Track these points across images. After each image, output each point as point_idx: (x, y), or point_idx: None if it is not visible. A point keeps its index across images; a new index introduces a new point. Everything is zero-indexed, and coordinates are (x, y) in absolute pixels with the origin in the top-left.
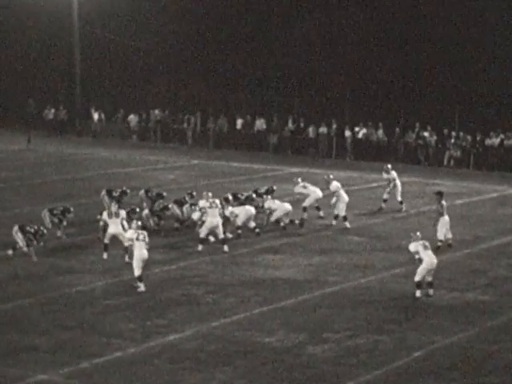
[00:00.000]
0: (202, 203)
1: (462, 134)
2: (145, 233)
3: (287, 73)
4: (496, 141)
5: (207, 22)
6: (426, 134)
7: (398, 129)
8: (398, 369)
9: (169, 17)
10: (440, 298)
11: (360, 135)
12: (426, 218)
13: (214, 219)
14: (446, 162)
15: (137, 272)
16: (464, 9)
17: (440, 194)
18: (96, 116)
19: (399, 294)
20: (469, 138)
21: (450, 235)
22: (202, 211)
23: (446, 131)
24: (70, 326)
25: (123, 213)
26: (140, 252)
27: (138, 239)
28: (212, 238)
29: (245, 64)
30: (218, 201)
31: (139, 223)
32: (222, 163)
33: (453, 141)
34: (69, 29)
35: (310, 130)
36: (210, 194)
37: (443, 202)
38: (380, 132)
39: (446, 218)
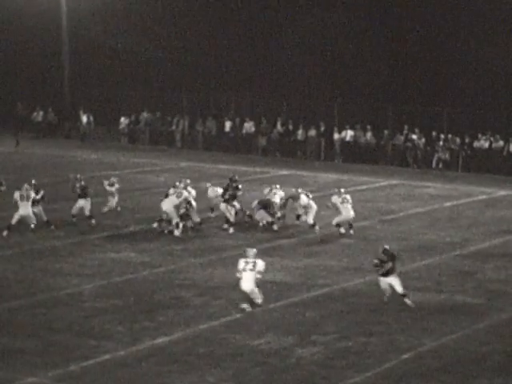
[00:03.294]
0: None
1: (450, 136)
2: (256, 261)
3: (276, 75)
4: (484, 143)
5: (195, 24)
6: (414, 136)
7: (386, 131)
8: (387, 371)
9: (158, 18)
10: (429, 301)
11: (348, 138)
12: (415, 219)
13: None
14: (434, 165)
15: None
16: (452, 11)
17: None
18: (85, 119)
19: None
20: (457, 140)
21: None
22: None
23: (434, 133)
24: (59, 328)
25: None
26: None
27: (245, 270)
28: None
29: (234, 66)
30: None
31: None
32: (211, 166)
33: (441, 143)
34: (57, 30)
35: (299, 132)
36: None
37: None
38: (369, 134)
39: None
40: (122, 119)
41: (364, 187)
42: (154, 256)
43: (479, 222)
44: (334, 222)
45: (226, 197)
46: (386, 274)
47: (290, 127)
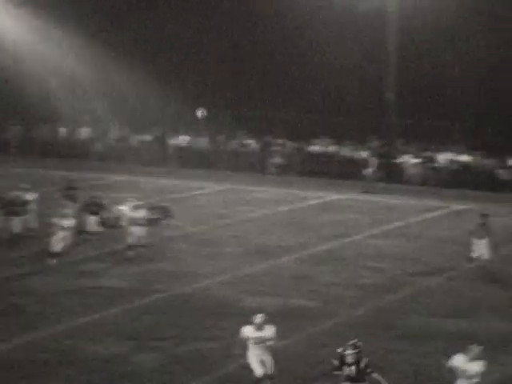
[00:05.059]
0: None
1: (285, 141)
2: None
3: (111, 78)
4: (319, 148)
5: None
6: (249, 141)
7: (221, 136)
8: (224, 376)
9: None
10: (266, 305)
11: (183, 143)
12: (251, 224)
13: None
14: (269, 169)
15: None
16: (282, 18)
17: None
18: None
19: (224, 300)
20: (292, 144)
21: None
22: None
23: (269, 138)
24: None
25: None
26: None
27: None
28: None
29: (69, 71)
30: None
31: None
32: (46, 172)
33: (276, 148)
34: None
35: (133, 137)
36: None
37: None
38: (204, 140)
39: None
40: None
41: (198, 192)
42: None
43: (314, 225)
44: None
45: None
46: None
47: (126, 133)
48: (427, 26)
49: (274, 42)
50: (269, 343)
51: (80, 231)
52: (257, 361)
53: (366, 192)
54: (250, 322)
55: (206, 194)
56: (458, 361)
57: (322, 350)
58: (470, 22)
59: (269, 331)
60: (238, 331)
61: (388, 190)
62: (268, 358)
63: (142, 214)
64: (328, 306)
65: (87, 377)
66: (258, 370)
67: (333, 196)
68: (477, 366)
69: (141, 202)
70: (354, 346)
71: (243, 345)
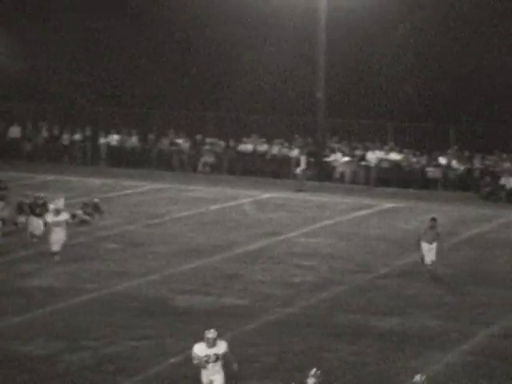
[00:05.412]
0: None
1: (216, 139)
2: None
3: (44, 79)
4: (249, 146)
5: None
6: (179, 140)
7: (151, 135)
8: (156, 375)
9: None
10: (196, 303)
11: (113, 142)
12: (182, 223)
13: None
14: (200, 168)
15: None
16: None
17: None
18: None
19: (155, 299)
20: (222, 143)
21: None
22: None
23: (199, 137)
24: None
25: None
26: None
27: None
28: None
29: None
30: None
31: None
32: None
33: (206, 147)
34: None
35: (64, 137)
36: None
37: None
38: (134, 138)
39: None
40: None
41: (129, 191)
42: None
43: (245, 224)
44: None
45: None
46: None
47: (56, 132)
48: (356, 24)
49: (206, 41)
50: (222, 362)
51: (9, 231)
52: (206, 381)
53: (297, 190)
54: (201, 339)
55: (137, 193)
56: None
57: (252, 349)
58: (403, 19)
59: (221, 347)
60: (168, 333)
61: (319, 188)
62: (219, 379)
63: (63, 217)
64: (259, 305)
65: (17, 377)
66: None
67: (264, 194)
68: None
69: (61, 204)
70: (317, 376)
71: (197, 364)
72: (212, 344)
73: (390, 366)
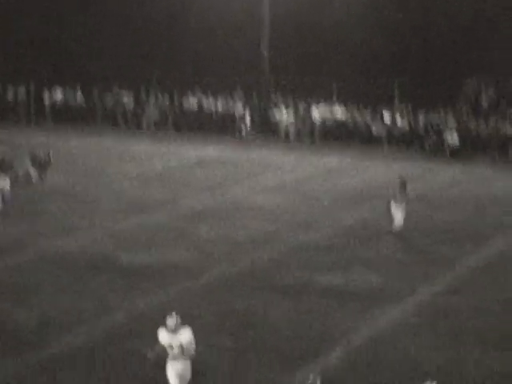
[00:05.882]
0: None
1: (160, 96)
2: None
3: None
4: (193, 102)
5: None
6: (124, 96)
7: (95, 91)
8: (100, 331)
9: None
10: (142, 260)
11: (58, 98)
12: (127, 179)
13: None
14: (145, 125)
15: None
16: None
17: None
18: None
19: (101, 256)
20: (167, 99)
21: None
22: None
23: (143, 93)
24: None
25: None
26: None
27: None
28: None
29: None
30: None
31: None
32: None
33: (150, 103)
34: None
35: (9, 93)
36: None
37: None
38: (78, 95)
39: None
40: None
41: (74, 149)
42: None
43: (190, 181)
44: None
45: None
46: None
47: None
48: None
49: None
50: (187, 350)
51: None
52: (173, 374)
53: (241, 147)
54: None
55: (82, 150)
56: None
57: (196, 306)
58: None
59: (186, 335)
60: (110, 289)
61: (263, 145)
62: (185, 370)
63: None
64: (203, 262)
65: None
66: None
67: (208, 151)
68: None
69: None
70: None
71: (160, 351)
72: (174, 330)
73: (334, 323)
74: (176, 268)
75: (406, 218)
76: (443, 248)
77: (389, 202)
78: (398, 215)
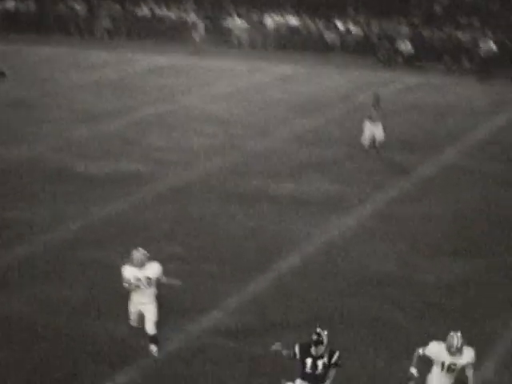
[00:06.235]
0: None
1: (113, 3)
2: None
3: None
4: (147, 11)
5: None
6: (76, 5)
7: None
8: (55, 240)
9: None
10: (95, 169)
11: (10, 6)
12: (79, 89)
13: None
14: (97, 33)
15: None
16: None
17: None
18: None
19: (55, 165)
20: (120, 7)
21: None
22: None
23: (96, 1)
24: None
25: None
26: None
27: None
28: None
29: None
30: None
31: None
32: None
33: (104, 11)
34: None
35: None
36: None
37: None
38: (30, 2)
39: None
40: None
41: (26, 56)
42: None
43: (143, 89)
44: None
45: None
46: None
47: None
48: None
49: None
50: (155, 289)
51: None
52: (134, 310)
53: (194, 55)
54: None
55: (34, 58)
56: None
57: (150, 214)
58: None
59: (154, 269)
60: (63, 200)
61: (216, 53)
62: (150, 309)
63: None
64: (157, 171)
65: None
66: (132, 322)
67: (161, 59)
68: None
69: None
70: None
71: (126, 288)
72: (140, 264)
73: (288, 231)
74: (130, 177)
75: (358, 126)
76: (398, 156)
77: (365, 120)
78: (378, 132)
